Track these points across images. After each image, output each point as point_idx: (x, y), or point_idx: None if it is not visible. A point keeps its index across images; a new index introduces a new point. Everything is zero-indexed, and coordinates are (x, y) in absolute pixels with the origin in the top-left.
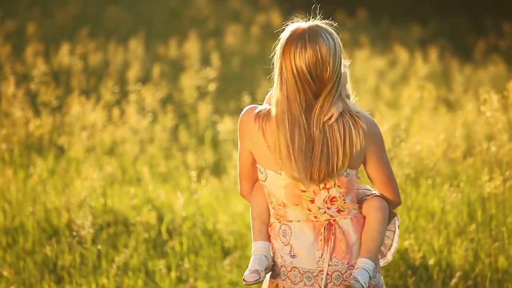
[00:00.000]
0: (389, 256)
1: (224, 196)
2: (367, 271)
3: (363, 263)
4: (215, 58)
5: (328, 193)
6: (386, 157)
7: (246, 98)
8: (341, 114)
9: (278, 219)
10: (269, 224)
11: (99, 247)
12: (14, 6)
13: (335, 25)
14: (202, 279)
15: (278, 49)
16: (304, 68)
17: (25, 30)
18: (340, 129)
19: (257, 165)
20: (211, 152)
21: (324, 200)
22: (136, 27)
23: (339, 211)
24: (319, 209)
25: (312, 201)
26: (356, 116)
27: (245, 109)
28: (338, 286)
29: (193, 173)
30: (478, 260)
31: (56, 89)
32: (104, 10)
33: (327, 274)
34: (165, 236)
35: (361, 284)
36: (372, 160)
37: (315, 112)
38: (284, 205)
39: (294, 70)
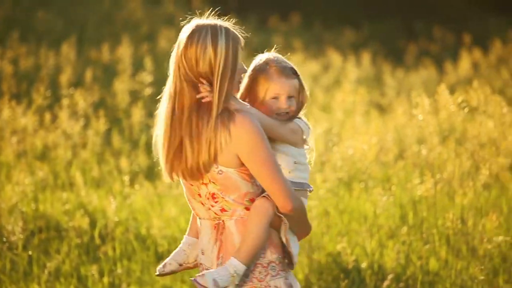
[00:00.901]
0: (292, 264)
1: (158, 201)
2: (227, 271)
3: (228, 262)
4: (148, 62)
5: (207, 188)
6: (264, 160)
7: None
8: (221, 112)
9: (199, 216)
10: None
11: (30, 252)
12: None
13: (228, 22)
14: (135, 284)
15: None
16: (186, 64)
17: None
18: (208, 127)
19: None
20: (144, 156)
21: (206, 196)
22: (68, 31)
23: (222, 210)
24: (203, 205)
25: (200, 195)
26: (231, 115)
27: None
28: None
29: (126, 178)
30: (410, 262)
31: None
32: (35, 14)
33: None
34: (97, 241)
35: (205, 281)
36: (246, 162)
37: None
38: (189, 199)
39: (180, 66)
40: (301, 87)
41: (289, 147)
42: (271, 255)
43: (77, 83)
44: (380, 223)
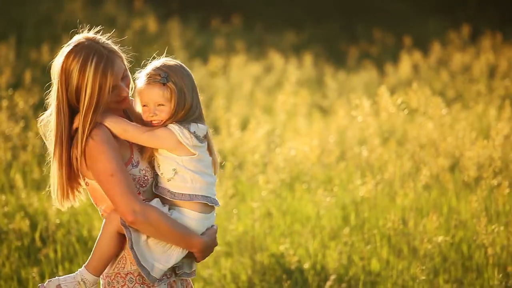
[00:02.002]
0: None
1: None
2: (75, 278)
3: (78, 270)
4: None
5: (88, 194)
6: (100, 172)
7: None
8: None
9: None
10: None
11: None
12: None
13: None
14: None
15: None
16: None
17: None
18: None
19: None
20: None
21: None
22: (6, 31)
23: (104, 217)
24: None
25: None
26: (87, 129)
27: None
28: None
29: None
30: (352, 263)
31: None
32: None
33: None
34: (38, 243)
35: (49, 286)
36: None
37: None
38: None
39: None
40: (174, 92)
41: (168, 154)
42: (130, 266)
43: (16, 84)
44: (323, 224)
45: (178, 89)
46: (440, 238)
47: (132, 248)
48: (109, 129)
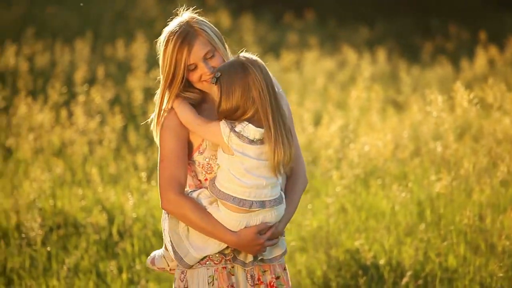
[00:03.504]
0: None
1: None
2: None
3: None
4: None
5: None
6: (159, 154)
7: None
8: None
9: None
10: None
11: (49, 249)
12: None
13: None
14: (154, 281)
15: None
16: None
17: None
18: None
19: None
20: None
21: None
22: (83, 27)
23: None
24: None
25: None
26: (160, 103)
27: None
28: None
29: (143, 174)
30: (428, 259)
31: (2, 90)
32: (50, 11)
33: None
34: (116, 237)
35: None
36: None
37: None
38: None
39: None
40: (220, 92)
41: (219, 148)
42: None
43: (92, 79)
44: (398, 220)
45: (223, 90)
46: None
47: (167, 232)
48: None
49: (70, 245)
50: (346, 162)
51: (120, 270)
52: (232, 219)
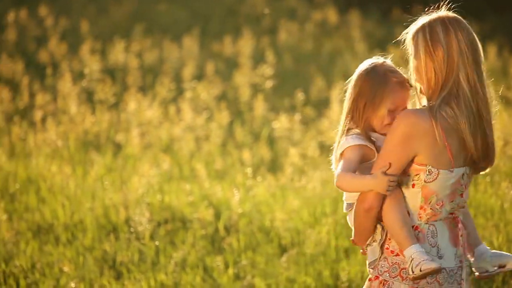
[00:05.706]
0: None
1: (280, 193)
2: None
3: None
4: (269, 56)
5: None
6: None
7: (300, 96)
8: None
9: (426, 221)
10: (415, 228)
11: (157, 243)
12: (69, 4)
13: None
14: (260, 276)
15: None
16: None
17: (80, 28)
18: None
19: (424, 167)
20: (266, 149)
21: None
22: (191, 24)
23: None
24: (465, 202)
25: (462, 195)
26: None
27: (407, 112)
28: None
29: (249, 170)
30: None
31: (113, 87)
32: (160, 7)
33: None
34: (222, 232)
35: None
36: None
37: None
38: (442, 204)
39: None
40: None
41: None
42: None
43: (199, 76)
44: (508, 218)
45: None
46: None
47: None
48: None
49: (178, 239)
50: None
51: (226, 265)
52: None
